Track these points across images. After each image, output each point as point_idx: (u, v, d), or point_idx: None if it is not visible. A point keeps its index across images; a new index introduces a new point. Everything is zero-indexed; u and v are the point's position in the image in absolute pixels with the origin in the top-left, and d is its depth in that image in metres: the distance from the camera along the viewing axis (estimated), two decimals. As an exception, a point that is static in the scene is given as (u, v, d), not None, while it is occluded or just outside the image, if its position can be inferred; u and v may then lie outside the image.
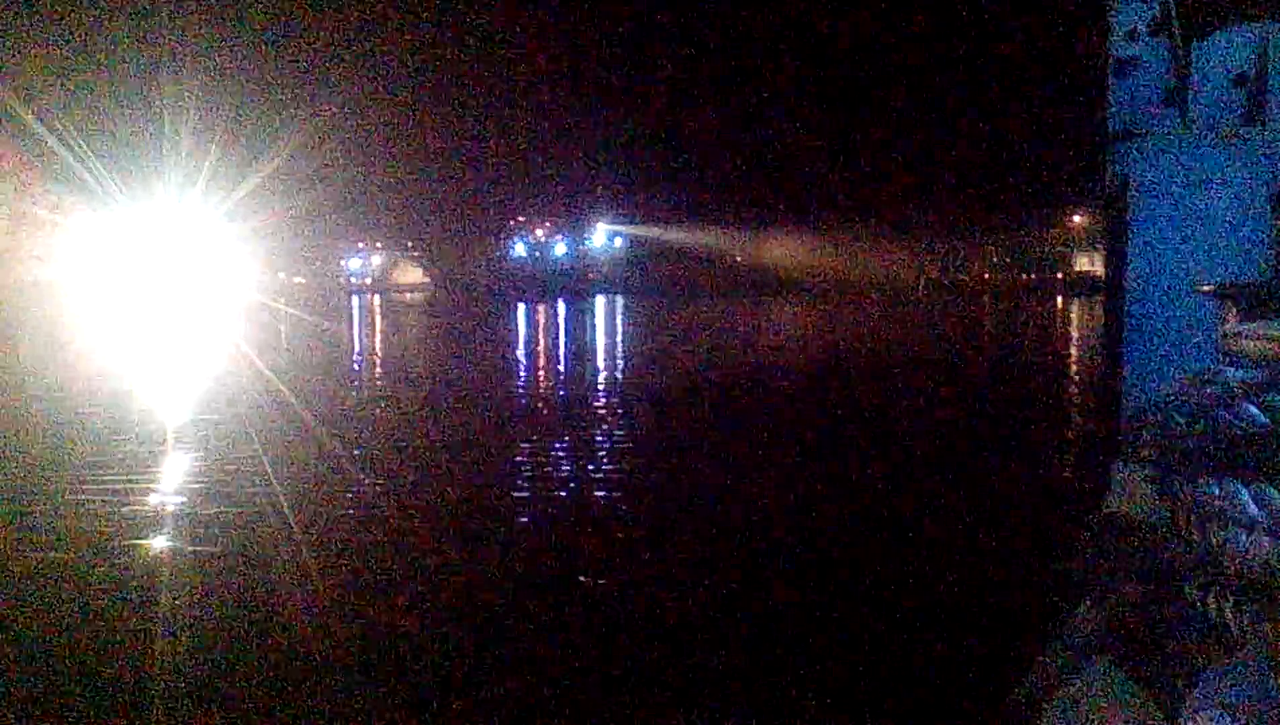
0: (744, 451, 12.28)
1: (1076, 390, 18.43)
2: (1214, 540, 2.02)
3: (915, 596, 6.73)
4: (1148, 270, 6.55)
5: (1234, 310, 4.15)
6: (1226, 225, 6.27)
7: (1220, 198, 6.33)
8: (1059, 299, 61.94)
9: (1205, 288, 4.68)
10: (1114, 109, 7.00)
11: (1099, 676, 2.52)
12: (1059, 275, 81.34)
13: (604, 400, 17.98)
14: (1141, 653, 2.38)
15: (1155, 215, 6.61)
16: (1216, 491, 2.04)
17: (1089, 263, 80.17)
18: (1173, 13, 6.72)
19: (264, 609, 6.57)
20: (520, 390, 20.48)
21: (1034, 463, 11.45)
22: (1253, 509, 2.06)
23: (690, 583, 7.06)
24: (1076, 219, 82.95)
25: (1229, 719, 1.26)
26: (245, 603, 6.68)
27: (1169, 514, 2.24)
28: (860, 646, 5.90)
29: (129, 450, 12.41)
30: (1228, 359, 2.22)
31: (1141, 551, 2.53)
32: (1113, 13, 6.93)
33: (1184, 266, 6.40)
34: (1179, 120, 6.73)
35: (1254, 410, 2.30)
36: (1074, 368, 22.69)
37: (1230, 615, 1.97)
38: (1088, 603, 2.80)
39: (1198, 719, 1.37)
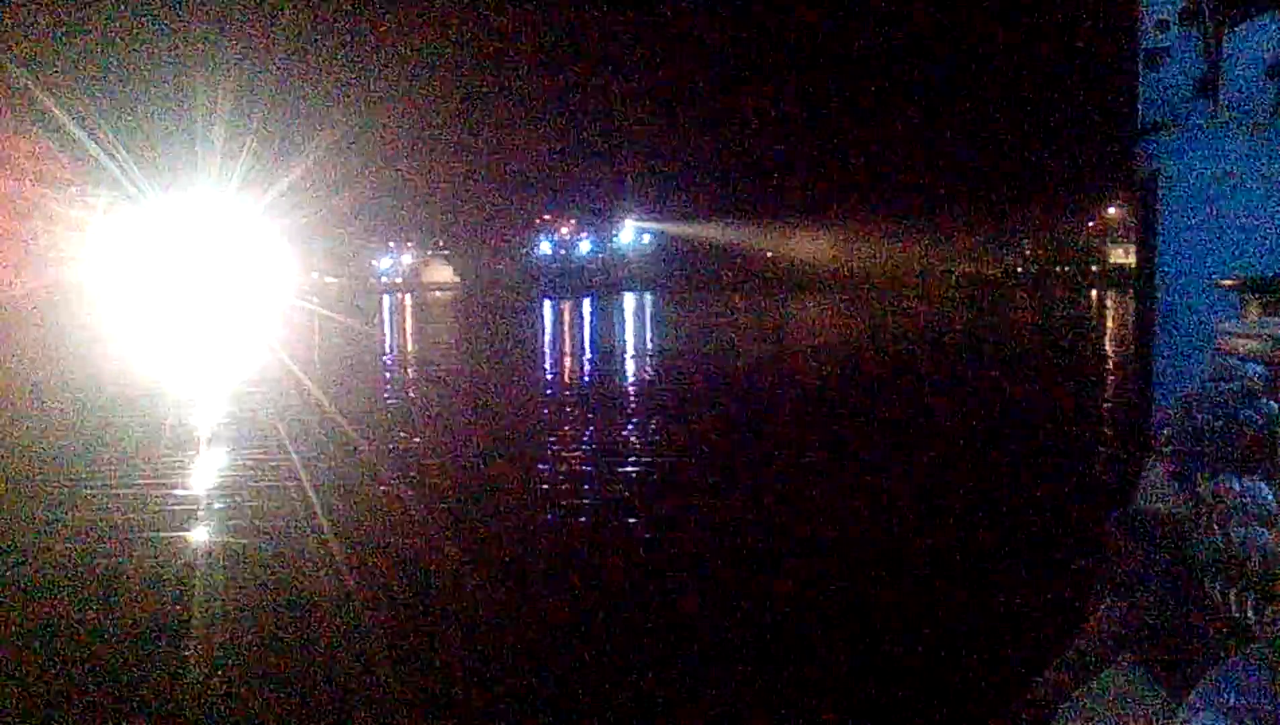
0: (770, 448, 12.28)
1: (1107, 385, 18.24)
2: (1235, 537, 2.00)
3: (939, 590, 6.71)
4: (1178, 263, 6.47)
5: (1256, 305, 4.09)
6: (1258, 217, 6.19)
7: (1252, 190, 6.25)
8: (1093, 292, 61.13)
9: (1226, 282, 4.62)
10: (1144, 101, 6.92)
11: (1121, 674, 2.51)
12: (1093, 268, 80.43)
13: (628, 401, 18.02)
14: (1164, 650, 2.37)
15: (1185, 208, 6.53)
16: (1238, 488, 2.02)
17: (1124, 255, 79.25)
18: (1203, 3, 6.63)
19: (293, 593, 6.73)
20: (545, 390, 20.55)
21: (1063, 458, 11.35)
22: (1274, 505, 2.05)
23: (704, 574, 7.08)
24: (1111, 211, 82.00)
25: (1226, 722, 1.26)
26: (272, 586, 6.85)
27: (1191, 511, 2.23)
28: (882, 640, 5.89)
29: (160, 450, 12.59)
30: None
31: (1165, 548, 2.52)
32: (1143, 3, 6.86)
33: (1214, 259, 6.32)
34: (1210, 112, 6.64)
35: (1276, 407, 2.28)
36: (1106, 362, 22.44)
37: (1252, 612, 1.96)
38: (1111, 599, 2.79)
39: (1196, 720, 1.37)
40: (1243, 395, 2.25)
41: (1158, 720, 2.32)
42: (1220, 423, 2.51)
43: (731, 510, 9.23)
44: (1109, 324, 35.49)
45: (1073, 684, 2.72)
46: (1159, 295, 6.48)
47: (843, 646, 5.87)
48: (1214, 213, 6.32)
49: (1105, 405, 15.64)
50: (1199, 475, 2.42)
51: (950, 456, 11.36)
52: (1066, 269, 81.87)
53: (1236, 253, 6.25)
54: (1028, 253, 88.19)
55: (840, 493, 9.73)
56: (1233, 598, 2.13)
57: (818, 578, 7.10)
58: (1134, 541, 2.78)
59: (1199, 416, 2.52)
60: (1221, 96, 6.56)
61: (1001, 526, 8.28)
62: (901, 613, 6.35)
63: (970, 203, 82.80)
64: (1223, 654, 1.99)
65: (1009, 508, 8.90)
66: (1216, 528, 2.27)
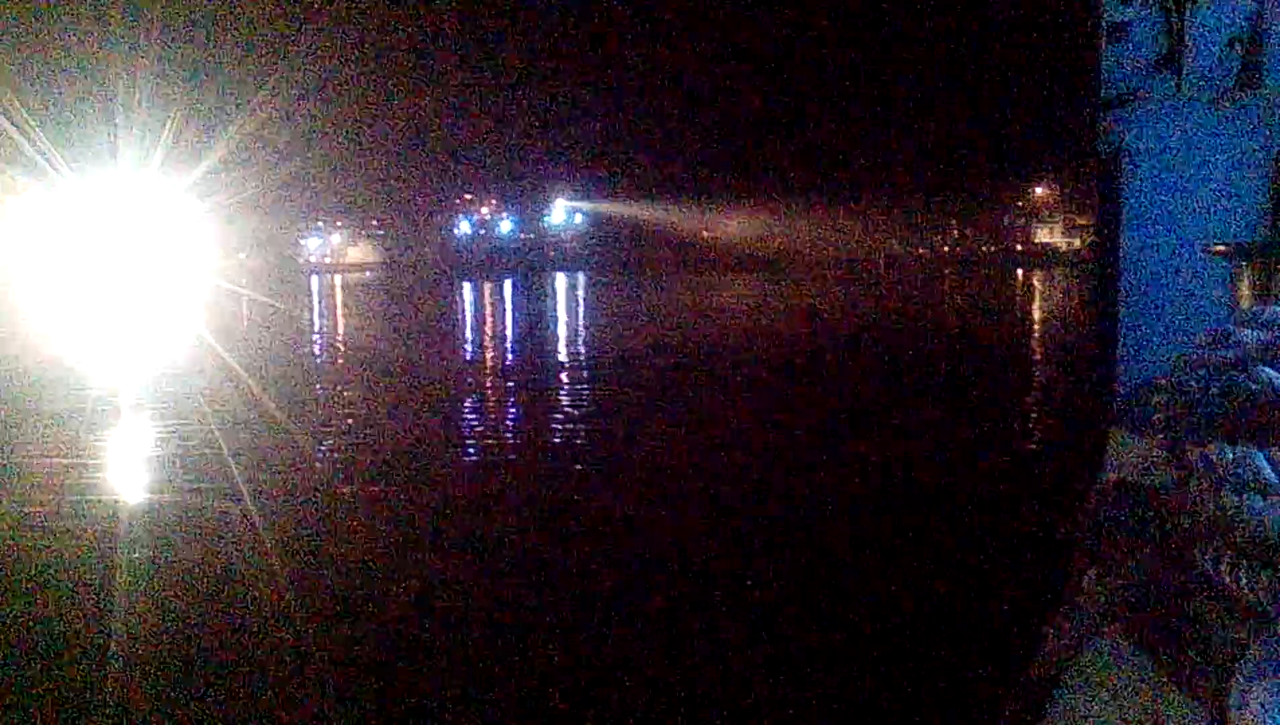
0: (726, 431, 12.18)
1: (1062, 359, 18.48)
2: (1228, 506, 1.91)
3: (920, 570, 6.66)
4: (1143, 238, 6.45)
5: (1247, 272, 4.04)
6: (1224, 190, 6.19)
7: (1217, 163, 6.24)
8: (1019, 271, 62.43)
9: (1219, 247, 4.57)
10: (1106, 75, 6.88)
11: (1108, 648, 2.41)
12: (1018, 247, 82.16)
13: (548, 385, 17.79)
14: (1151, 622, 2.28)
15: (1150, 182, 6.50)
16: (1230, 456, 1.93)
17: (1048, 235, 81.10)
18: (1166, -25, 6.60)
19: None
20: (466, 375, 20.22)
21: (1027, 432, 11.46)
22: (1269, 473, 1.95)
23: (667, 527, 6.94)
24: (1038, 191, 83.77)
25: None
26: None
27: (1180, 480, 2.14)
28: (871, 628, 5.80)
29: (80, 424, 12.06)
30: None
31: (1150, 519, 2.43)
32: (1104, -24, 6.80)
33: (1181, 233, 6.31)
34: (1173, 85, 6.62)
35: (1270, 373, 2.17)
36: (1057, 337, 22.77)
37: (1245, 581, 1.85)
38: (1094, 573, 2.71)
39: (1254, 692, 1.26)
40: (1236, 361, 2.15)
41: (1147, 693, 2.17)
42: (1213, 389, 2.36)
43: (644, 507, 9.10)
44: (1049, 302, 36.06)
45: (1065, 662, 2.63)
46: (1122, 269, 6.46)
47: (822, 640, 5.77)
48: (1179, 186, 6.31)
49: (1062, 380, 15.78)
50: (1189, 444, 2.26)
51: (905, 439, 11.36)
52: (993, 249, 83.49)
53: (1202, 226, 6.25)
54: (955, 234, 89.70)
55: (805, 480, 9.66)
56: (1225, 568, 2.00)
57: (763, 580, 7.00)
58: (1116, 513, 2.69)
59: (1193, 383, 2.37)
60: (1185, 70, 6.54)
61: (972, 500, 8.28)
62: (884, 605, 6.28)
63: (900, 183, 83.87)
64: (1212, 626, 1.91)
65: (976, 483, 8.91)
66: (1208, 497, 2.12)
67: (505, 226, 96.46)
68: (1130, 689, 2.19)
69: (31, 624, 5.92)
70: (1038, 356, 19.85)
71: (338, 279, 77.67)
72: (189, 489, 8.65)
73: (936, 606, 6.07)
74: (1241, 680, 1.53)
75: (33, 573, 6.91)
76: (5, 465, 10.36)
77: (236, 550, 7.13)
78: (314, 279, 78.37)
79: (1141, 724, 1.88)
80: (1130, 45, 6.87)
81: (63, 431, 11.95)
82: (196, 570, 6.77)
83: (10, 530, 7.96)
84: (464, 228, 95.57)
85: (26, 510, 8.54)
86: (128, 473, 10.25)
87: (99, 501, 9.07)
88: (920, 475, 9.31)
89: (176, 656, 5.37)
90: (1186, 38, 6.50)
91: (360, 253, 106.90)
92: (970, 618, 5.82)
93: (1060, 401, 13.63)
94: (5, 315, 33.90)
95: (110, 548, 7.47)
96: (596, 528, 7.84)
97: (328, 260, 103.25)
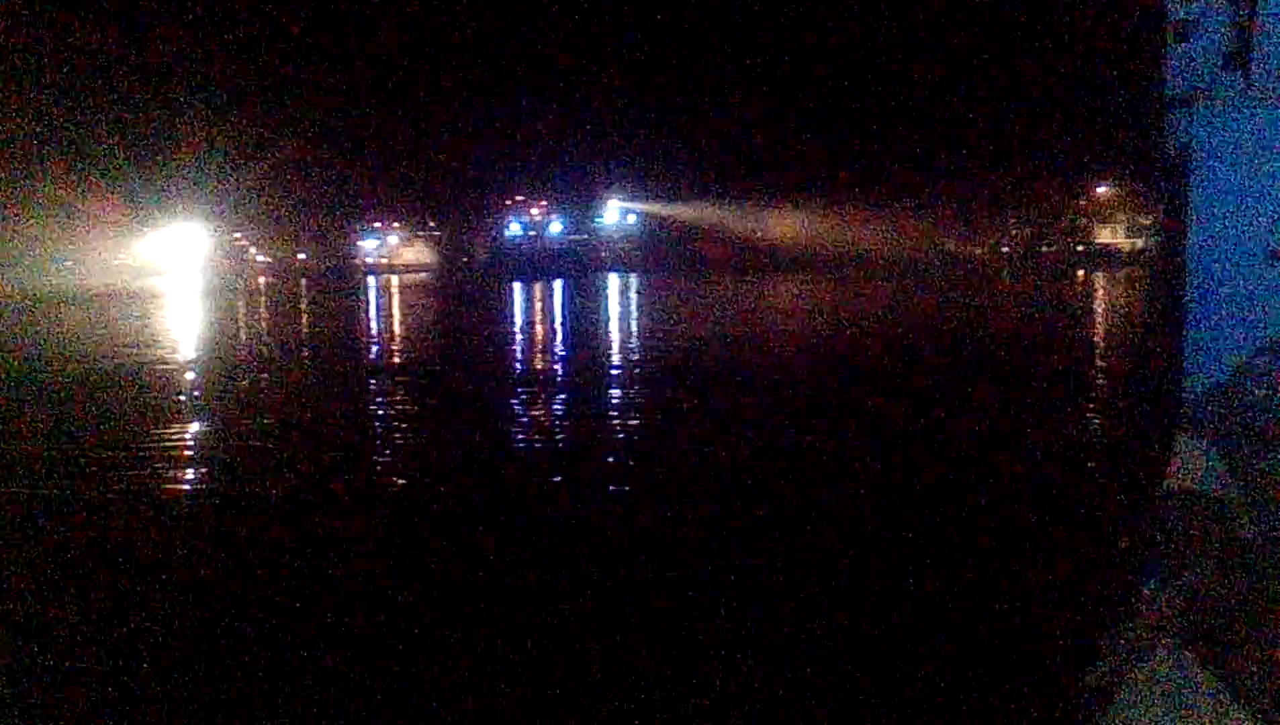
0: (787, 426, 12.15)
1: (1125, 363, 18.08)
2: None
3: (978, 569, 6.61)
4: (1210, 238, 6.34)
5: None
6: (1295, 191, 6.07)
7: (1287, 163, 6.12)
8: (1080, 272, 61.17)
9: (1284, 250, 4.50)
10: (1173, 73, 6.77)
11: (1168, 658, 2.41)
12: (1079, 247, 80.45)
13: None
14: (1210, 633, 2.29)
15: (1218, 182, 6.39)
16: None
17: (1110, 235, 79.30)
18: (1235, -28, 6.48)
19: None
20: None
21: (1089, 435, 11.28)
22: None
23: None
24: (1100, 190, 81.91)
25: None
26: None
27: (1242, 490, 2.14)
28: (927, 625, 5.78)
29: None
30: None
31: (1210, 528, 2.43)
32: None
33: (1249, 233, 6.20)
34: (1242, 84, 6.50)
35: None
36: (1123, 341, 22.27)
37: None
38: (1155, 581, 2.70)
39: None
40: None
41: (1207, 704, 2.20)
42: (1274, 399, 2.40)
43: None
44: (1115, 304, 35.17)
45: (1124, 670, 2.63)
46: (1190, 271, 6.35)
47: (882, 633, 5.76)
48: (1248, 186, 6.20)
49: (1128, 382, 15.40)
50: (1249, 453, 2.31)
51: (968, 439, 11.22)
52: (1052, 248, 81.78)
53: (1270, 228, 6.13)
54: (1013, 232, 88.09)
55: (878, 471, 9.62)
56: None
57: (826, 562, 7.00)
58: (1176, 521, 2.67)
59: (1254, 392, 2.40)
60: (1253, 68, 6.42)
61: (1031, 504, 8.18)
62: (939, 600, 6.25)
63: (958, 182, 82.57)
64: (1273, 637, 1.92)
65: (1037, 486, 8.80)
66: (1269, 508, 2.16)
67: (555, 227, 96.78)
68: (1188, 700, 2.20)
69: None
70: (1100, 361, 19.45)
71: (393, 279, 78.86)
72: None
73: (976, 612, 6.02)
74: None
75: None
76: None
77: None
78: (370, 278, 79.63)
79: (1203, 733, 1.89)
80: (1197, 43, 6.76)
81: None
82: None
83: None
84: (514, 229, 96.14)
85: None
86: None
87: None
88: (976, 480, 9.22)
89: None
90: (1255, 35, 6.38)
91: (414, 253, 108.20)
92: (1019, 623, 5.77)
93: (1123, 407, 13.37)
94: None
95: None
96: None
97: (384, 260, 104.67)
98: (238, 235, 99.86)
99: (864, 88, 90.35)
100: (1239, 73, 6.64)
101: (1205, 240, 6.37)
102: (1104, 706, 2.49)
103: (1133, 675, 2.55)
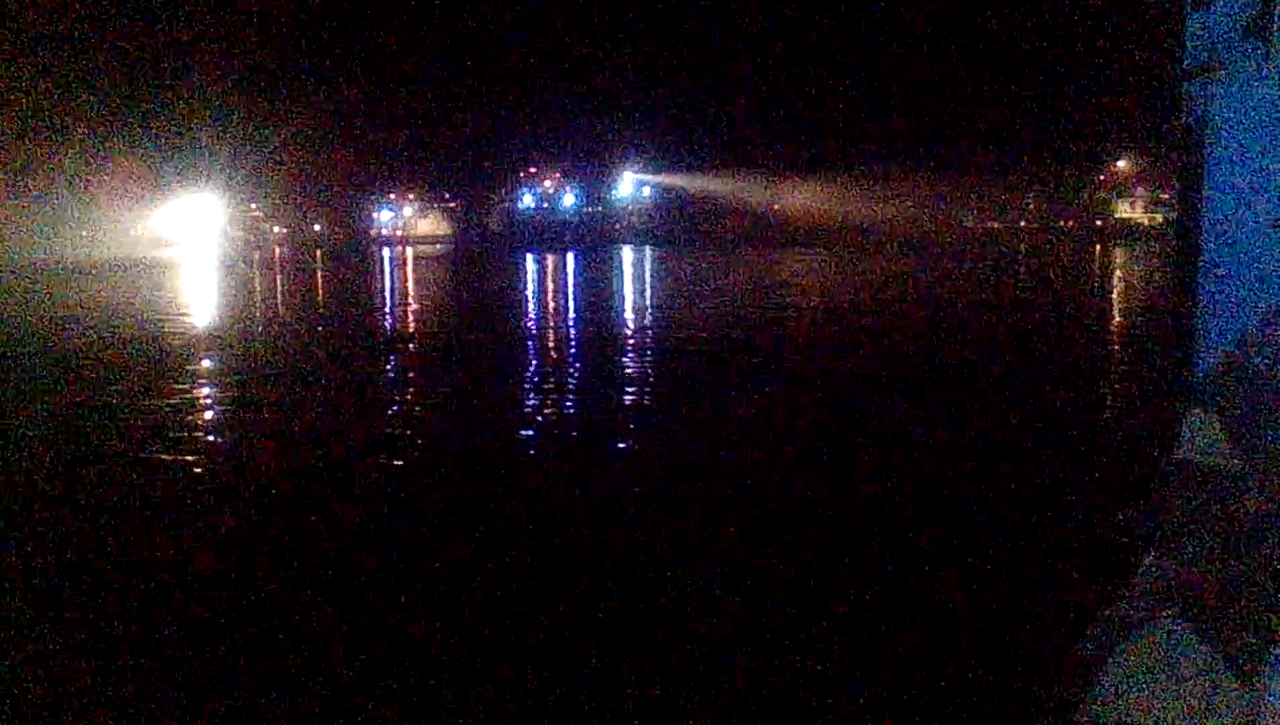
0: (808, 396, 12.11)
1: (1140, 335, 17.91)
2: None
3: (978, 541, 6.57)
4: (1227, 213, 6.22)
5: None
6: (1315, 165, 5.93)
7: (1307, 136, 5.98)
8: (1097, 246, 60.67)
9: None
10: (1190, 42, 6.63)
11: (1165, 631, 2.37)
12: (1097, 222, 79.84)
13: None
14: (1212, 607, 2.24)
15: (1235, 156, 6.26)
16: None
17: (1129, 210, 78.68)
18: (1256, -64, 6.33)
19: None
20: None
21: (1100, 407, 11.19)
22: None
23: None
24: (1120, 165, 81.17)
25: None
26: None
27: (1243, 462, 2.09)
28: (924, 596, 5.76)
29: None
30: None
31: (1214, 502, 2.39)
32: (1188, -61, 6.55)
33: (1267, 209, 6.08)
34: (1262, 53, 6.36)
35: None
36: (1135, 314, 22.09)
37: None
38: (1155, 554, 2.66)
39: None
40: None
41: (1201, 678, 2.15)
42: (1276, 367, 2.31)
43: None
44: (1130, 278, 34.89)
45: (1116, 641, 2.59)
46: (1204, 243, 6.25)
47: (875, 605, 5.74)
48: (1268, 160, 6.08)
49: (1140, 355, 15.29)
50: (1255, 426, 2.23)
51: (978, 407, 11.17)
52: (1072, 224, 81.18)
53: (1288, 201, 6.01)
54: (1031, 207, 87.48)
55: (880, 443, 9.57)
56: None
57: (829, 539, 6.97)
58: (1180, 494, 2.63)
59: (1256, 361, 2.33)
60: (1274, 37, 6.27)
61: (1035, 477, 8.13)
62: (939, 570, 6.22)
63: (976, 157, 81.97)
64: (1275, 614, 1.87)
65: (1041, 459, 8.74)
66: (1274, 481, 2.09)
67: (569, 200, 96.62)
68: (1184, 672, 2.15)
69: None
70: (1113, 334, 19.30)
71: (408, 251, 78.99)
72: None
73: (973, 587, 5.98)
74: (1269, 672, 1.50)
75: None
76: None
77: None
78: (385, 250, 79.75)
79: (1195, 708, 1.85)
80: (1216, 11, 6.61)
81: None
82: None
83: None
84: (527, 201, 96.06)
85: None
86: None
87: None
88: (982, 457, 9.16)
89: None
90: (1277, 3, 6.24)
91: (430, 225, 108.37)
92: (1015, 596, 5.73)
93: (1134, 381, 13.27)
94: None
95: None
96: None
97: (399, 232, 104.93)
98: (253, 207, 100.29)
99: (882, 62, 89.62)
100: (1259, 42, 6.50)
101: (1221, 214, 6.27)
102: (1095, 677, 2.46)
103: (1126, 646, 2.51)
